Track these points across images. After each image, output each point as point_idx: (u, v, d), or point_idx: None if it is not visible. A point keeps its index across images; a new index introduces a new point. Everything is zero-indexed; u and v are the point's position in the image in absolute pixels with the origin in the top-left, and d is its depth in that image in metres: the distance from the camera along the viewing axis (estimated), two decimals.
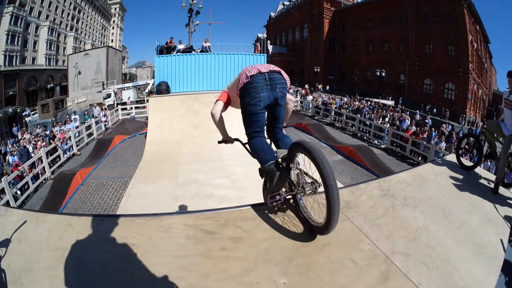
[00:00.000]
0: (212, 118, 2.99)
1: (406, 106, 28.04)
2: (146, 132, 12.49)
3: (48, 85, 44.64)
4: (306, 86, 32.85)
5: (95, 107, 18.27)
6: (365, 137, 14.65)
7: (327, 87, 42.22)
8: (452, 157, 4.67)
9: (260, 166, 2.81)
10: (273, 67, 2.75)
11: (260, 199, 6.39)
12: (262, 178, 3.07)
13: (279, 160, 2.72)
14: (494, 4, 66.16)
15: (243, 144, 3.28)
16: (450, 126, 15.40)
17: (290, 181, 2.77)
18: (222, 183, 8.38)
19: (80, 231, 3.44)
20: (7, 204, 7.85)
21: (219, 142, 3.61)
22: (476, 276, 2.63)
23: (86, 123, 14.72)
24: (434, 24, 32.32)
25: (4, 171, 9.22)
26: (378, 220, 3.25)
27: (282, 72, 2.75)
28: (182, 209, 6.90)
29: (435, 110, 29.61)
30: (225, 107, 3.06)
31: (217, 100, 2.98)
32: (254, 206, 3.79)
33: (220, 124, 3.08)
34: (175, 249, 3.09)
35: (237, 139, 3.44)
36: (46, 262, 3.02)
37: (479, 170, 4.49)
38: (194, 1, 17.26)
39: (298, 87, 35.10)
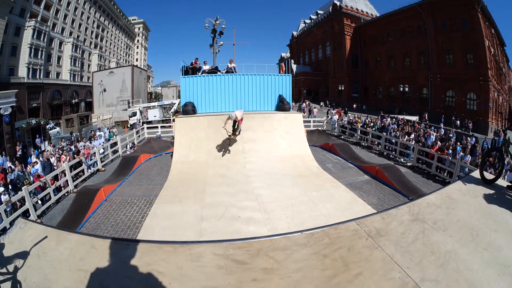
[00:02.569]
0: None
1: (430, 120, 27.30)
2: (172, 152, 12.58)
3: (73, 100, 46.32)
4: (339, 108, 32.45)
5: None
6: (391, 156, 14.30)
7: (354, 106, 41.90)
8: (477, 173, 4.64)
9: None
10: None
11: (289, 220, 6.13)
12: None
13: None
14: (506, 4, 64.22)
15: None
16: (474, 139, 14.84)
17: None
18: (249, 205, 8.28)
19: (104, 254, 3.49)
20: (26, 213, 7.99)
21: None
22: None
23: (111, 140, 15.00)
24: (451, 32, 31.84)
25: (26, 180, 9.29)
26: (408, 247, 3.32)
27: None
28: (209, 232, 6.85)
29: (458, 122, 28.65)
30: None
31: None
32: (285, 235, 3.79)
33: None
34: (204, 279, 3.11)
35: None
36: (67, 283, 3.08)
37: (502, 182, 4.44)
38: (217, 22, 17.59)
39: (329, 108, 34.76)
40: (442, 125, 22.51)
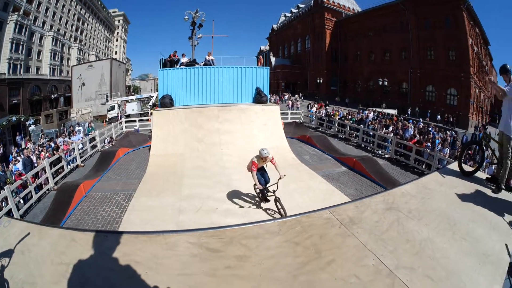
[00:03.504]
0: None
1: (410, 114, 28.02)
2: (150, 145, 12.48)
3: (52, 95, 45.02)
4: (321, 101, 32.88)
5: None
6: (369, 148, 14.59)
7: (336, 99, 42.29)
8: (455, 165, 4.68)
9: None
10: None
11: (264, 215, 6.33)
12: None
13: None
14: (492, 5, 66.35)
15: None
16: (453, 132, 15.35)
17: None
18: (226, 197, 8.31)
19: (84, 247, 3.50)
20: (10, 213, 7.81)
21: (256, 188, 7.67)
22: (481, 286, 2.66)
23: (90, 135, 14.75)
24: (434, 29, 32.51)
25: (8, 179, 9.03)
26: (383, 235, 3.35)
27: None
28: (187, 224, 6.86)
29: (439, 117, 29.50)
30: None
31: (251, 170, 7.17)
32: (258, 224, 3.84)
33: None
34: (179, 267, 3.15)
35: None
36: (50, 277, 3.07)
37: (481, 174, 4.49)
38: (197, 14, 17.46)
39: (310, 101, 35.07)
40: (421, 120, 23.09)
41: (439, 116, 29.56)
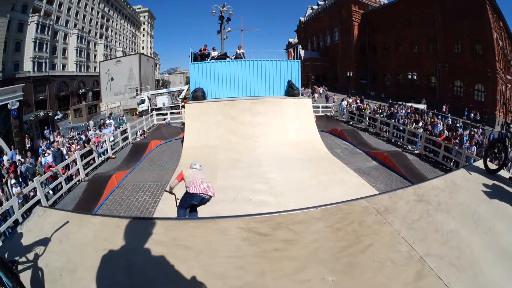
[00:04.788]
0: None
1: (438, 110, 27.10)
2: (182, 137, 12.71)
3: (80, 91, 46.46)
4: (356, 96, 32.40)
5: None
6: (399, 143, 14.32)
7: (372, 93, 41.77)
8: (481, 163, 4.78)
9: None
10: (210, 191, 5.43)
11: (299, 203, 6.48)
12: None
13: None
14: None
15: (176, 198, 5.77)
16: (481, 130, 14.86)
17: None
18: (260, 188, 8.37)
19: (129, 233, 3.57)
20: (38, 203, 7.90)
21: (166, 191, 6.21)
22: (498, 279, 2.82)
23: (121, 128, 15.16)
24: (460, 21, 31.05)
25: (37, 171, 9.36)
26: (414, 224, 3.54)
27: (211, 194, 5.41)
28: (222, 214, 6.91)
29: (472, 114, 28.34)
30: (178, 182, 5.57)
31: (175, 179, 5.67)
32: (303, 210, 3.97)
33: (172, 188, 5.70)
34: (230, 250, 3.26)
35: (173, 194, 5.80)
36: (93, 263, 3.11)
37: (505, 173, 4.55)
38: (224, 8, 17.53)
39: (341, 95, 34.58)
40: (449, 115, 22.37)
41: (472, 114, 28.34)
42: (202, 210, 7.04)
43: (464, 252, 3.05)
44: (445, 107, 29.06)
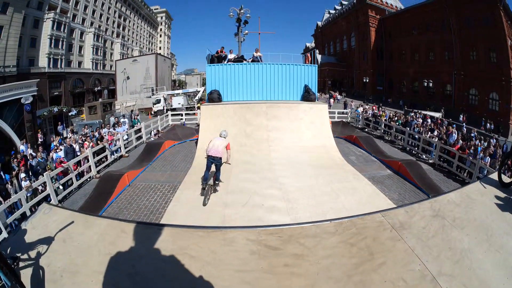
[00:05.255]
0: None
1: (454, 118, 26.58)
2: (197, 139, 12.74)
3: (96, 88, 47.41)
4: (374, 103, 32.26)
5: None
6: (413, 151, 14.10)
7: (389, 100, 41.62)
8: (495, 175, 4.70)
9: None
10: (214, 152, 7.33)
11: (311, 210, 6.28)
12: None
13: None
14: None
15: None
16: (494, 140, 14.53)
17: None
18: (273, 193, 8.31)
19: (135, 238, 3.54)
20: (47, 198, 8.00)
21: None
22: None
23: (135, 127, 15.27)
24: (475, 29, 30.67)
25: (48, 166, 9.36)
26: (428, 241, 3.50)
27: (220, 153, 7.32)
28: (233, 218, 6.92)
29: (489, 125, 27.73)
30: None
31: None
32: (315, 223, 3.92)
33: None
34: (238, 263, 3.21)
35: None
36: (96, 266, 3.08)
37: None
38: (242, 11, 17.58)
39: (358, 100, 34.13)
40: (465, 125, 21.89)
41: (489, 125, 27.71)
42: (212, 215, 7.06)
43: (475, 272, 3.01)
44: (462, 116, 28.49)
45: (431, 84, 35.90)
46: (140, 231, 3.68)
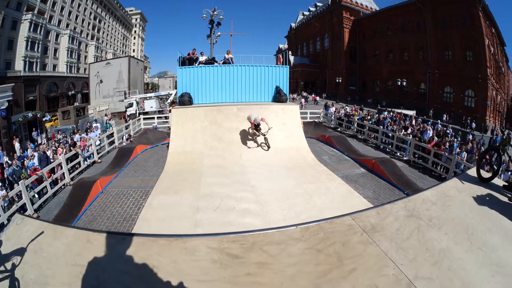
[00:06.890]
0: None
1: (428, 116, 27.36)
2: (168, 143, 12.50)
3: (70, 92, 45.94)
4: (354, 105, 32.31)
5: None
6: (387, 149, 14.31)
7: (369, 100, 42.07)
8: (473, 171, 4.62)
9: None
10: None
11: (283, 215, 6.07)
12: None
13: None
14: (508, 4, 64.12)
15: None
16: (471, 135, 14.98)
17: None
18: (245, 196, 8.24)
19: (100, 249, 3.47)
20: (24, 207, 7.90)
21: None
22: None
23: (107, 132, 14.86)
24: (451, 29, 31.83)
25: (22, 175, 9.09)
26: (403, 243, 3.34)
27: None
28: (204, 223, 6.83)
29: (473, 124, 28.60)
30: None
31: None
32: (280, 229, 3.76)
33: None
34: (199, 273, 3.10)
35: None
36: (63, 278, 3.05)
37: (498, 181, 4.42)
38: (215, 13, 17.42)
39: (330, 100, 34.44)
40: (439, 121, 22.45)
41: (473, 123, 28.49)
42: (183, 220, 6.95)
43: (456, 273, 2.89)
44: (445, 116, 29.28)
45: (404, 83, 36.85)
46: (104, 241, 3.58)
